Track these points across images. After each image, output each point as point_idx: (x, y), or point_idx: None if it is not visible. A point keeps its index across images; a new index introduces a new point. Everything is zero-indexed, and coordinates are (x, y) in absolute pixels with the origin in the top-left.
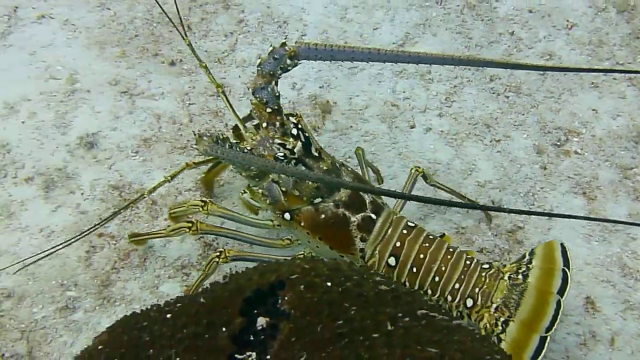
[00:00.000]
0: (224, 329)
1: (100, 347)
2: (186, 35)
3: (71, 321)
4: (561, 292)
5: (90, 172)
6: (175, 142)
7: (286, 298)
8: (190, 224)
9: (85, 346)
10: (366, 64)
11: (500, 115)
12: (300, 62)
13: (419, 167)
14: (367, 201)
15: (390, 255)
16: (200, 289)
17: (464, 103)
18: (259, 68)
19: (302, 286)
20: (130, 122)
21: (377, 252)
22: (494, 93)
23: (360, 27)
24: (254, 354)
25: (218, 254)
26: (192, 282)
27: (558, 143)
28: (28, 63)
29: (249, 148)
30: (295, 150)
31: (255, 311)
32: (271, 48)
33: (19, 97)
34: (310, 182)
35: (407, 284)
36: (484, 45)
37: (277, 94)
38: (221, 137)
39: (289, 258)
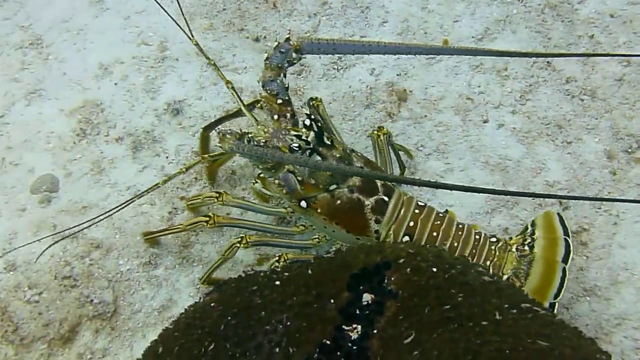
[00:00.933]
0: (332, 301)
1: (212, 304)
2: (192, 36)
3: (153, 276)
4: (565, 259)
5: (175, 138)
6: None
7: (393, 279)
8: (207, 218)
9: (194, 302)
10: (444, 56)
11: (574, 117)
12: (304, 55)
13: (383, 128)
14: (379, 184)
15: (404, 235)
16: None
17: (538, 102)
18: (267, 62)
19: (408, 269)
20: (214, 93)
21: (391, 232)
22: (568, 95)
23: (441, 18)
24: (359, 327)
25: (239, 239)
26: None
27: (629, 150)
28: (122, 27)
29: (263, 141)
30: (309, 140)
31: (361, 287)
32: (277, 43)
33: (113, 59)
34: (326, 174)
35: None
36: (562, 47)
37: (286, 86)
38: (240, 132)
39: (310, 242)
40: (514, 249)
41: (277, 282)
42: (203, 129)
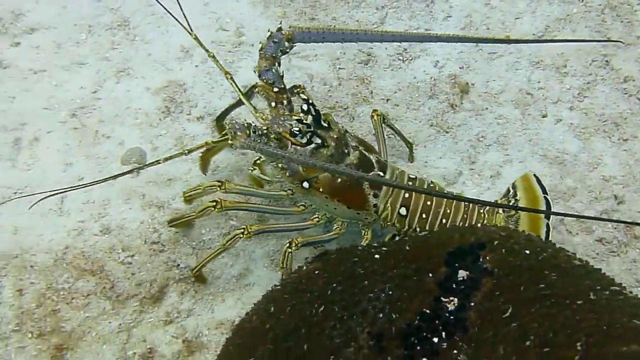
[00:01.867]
0: (430, 275)
1: (316, 272)
2: (192, 31)
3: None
4: (547, 216)
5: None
6: (325, 102)
7: (487, 258)
8: (214, 203)
9: (296, 268)
10: (505, 52)
11: (630, 115)
12: (296, 44)
13: (377, 110)
14: (374, 161)
15: (401, 206)
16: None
17: (595, 100)
18: (262, 52)
19: (503, 250)
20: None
21: (388, 205)
22: (626, 94)
23: (503, 14)
24: (456, 299)
25: (242, 230)
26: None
27: None
28: (202, 13)
29: (265, 128)
30: (308, 122)
31: (457, 264)
32: (269, 33)
33: (193, 42)
34: (325, 152)
35: (418, 229)
36: (620, 47)
37: (281, 74)
38: (246, 124)
39: (310, 223)
40: (500, 211)
41: (377, 256)
42: (216, 119)
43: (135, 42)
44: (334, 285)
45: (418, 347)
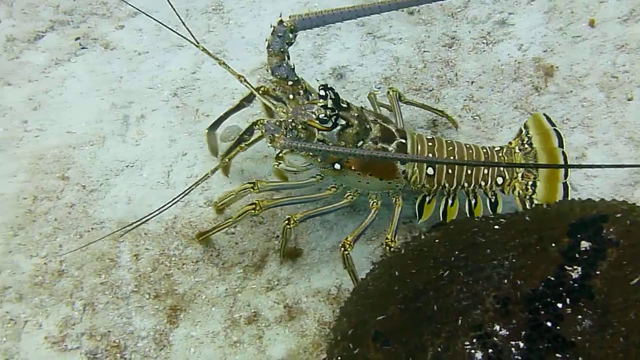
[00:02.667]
0: (553, 245)
1: (437, 240)
2: (197, 43)
3: (325, 220)
4: (561, 145)
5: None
6: (411, 84)
7: (611, 229)
8: (253, 205)
9: (414, 237)
10: (589, 35)
11: None
12: (298, 32)
13: (393, 87)
14: (394, 130)
15: (427, 167)
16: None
17: None
18: (270, 49)
19: (627, 221)
20: (373, 61)
21: (416, 168)
22: None
23: None
24: (580, 268)
25: (287, 221)
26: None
27: None
28: None
29: (291, 121)
30: (331, 106)
31: (579, 235)
32: (272, 28)
33: None
34: (351, 131)
35: (447, 184)
36: None
37: (293, 67)
38: (277, 123)
39: (346, 201)
40: (517, 150)
41: (496, 227)
42: (208, 129)
43: (229, 26)
44: (457, 252)
45: (542, 312)
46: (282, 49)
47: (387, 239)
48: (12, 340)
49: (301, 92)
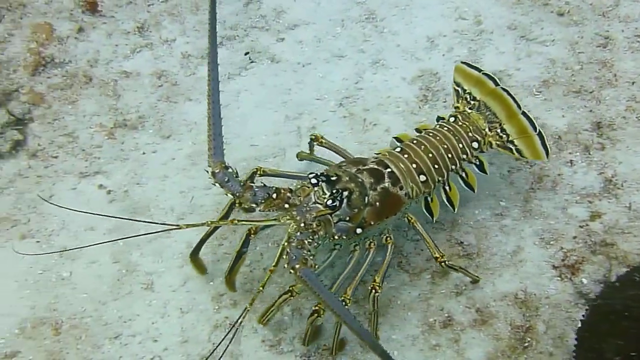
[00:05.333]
0: None
1: None
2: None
3: (503, 225)
4: (496, 83)
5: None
6: (570, 86)
7: None
8: (289, 293)
9: None
10: None
11: None
12: (227, 163)
13: (314, 133)
14: (374, 165)
15: (419, 175)
16: None
17: None
18: (235, 194)
19: None
20: (529, 64)
21: (411, 184)
22: None
23: None
24: None
25: (290, 293)
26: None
27: None
28: (441, 3)
29: (303, 226)
30: (327, 189)
31: None
32: (215, 183)
33: (436, 32)
34: (355, 195)
35: (440, 178)
36: None
37: (263, 185)
38: (297, 244)
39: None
40: (468, 110)
41: None
42: (191, 254)
43: (384, 34)
44: None
45: None
46: (242, 184)
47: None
48: (235, 344)
49: (289, 194)
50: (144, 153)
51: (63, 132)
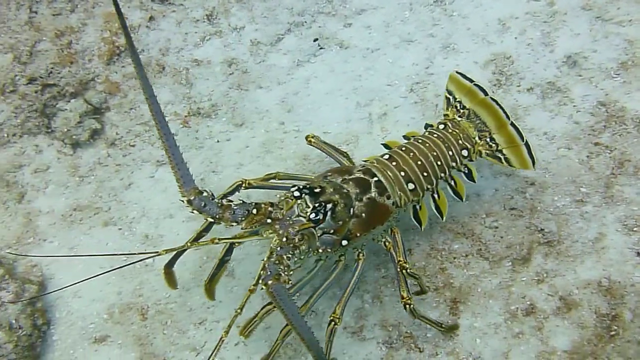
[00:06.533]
0: None
1: None
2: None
3: (584, 212)
4: (485, 93)
5: (578, 88)
6: None
7: None
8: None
9: None
10: None
11: None
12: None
13: (310, 134)
14: (361, 174)
15: (406, 183)
16: None
17: None
18: (215, 217)
19: None
20: (606, 46)
21: (399, 192)
22: None
23: None
24: None
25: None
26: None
27: None
28: None
29: (285, 241)
30: (310, 202)
31: None
32: (192, 210)
33: (508, 15)
34: (340, 207)
35: (429, 186)
36: None
37: (242, 201)
38: (274, 261)
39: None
40: (458, 119)
41: None
42: (165, 267)
43: (454, 18)
44: None
45: None
46: (219, 205)
47: (334, 312)
48: (316, 330)
49: (270, 208)
50: (218, 141)
51: (139, 120)
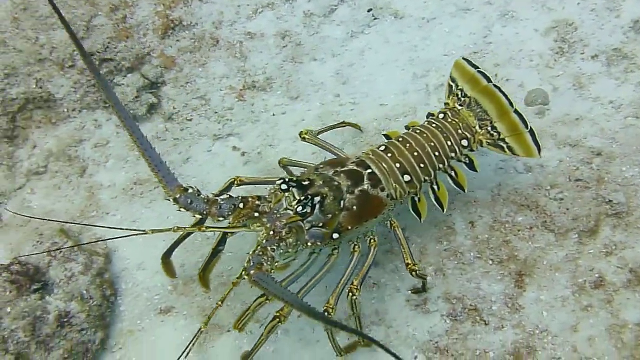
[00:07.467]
0: None
1: None
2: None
3: None
4: (489, 80)
5: None
6: None
7: None
8: (279, 317)
9: None
10: None
11: None
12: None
13: (304, 130)
14: (354, 166)
15: (402, 175)
16: None
17: None
18: (202, 213)
19: None
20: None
21: (395, 184)
22: None
23: None
24: None
25: (278, 319)
26: None
27: None
28: None
29: (272, 234)
30: (298, 195)
31: None
32: (179, 208)
33: None
34: (329, 200)
35: (427, 178)
36: None
37: (229, 196)
38: (257, 253)
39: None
40: (459, 107)
41: None
42: (163, 257)
43: None
44: None
45: None
46: (206, 200)
47: (328, 302)
48: (379, 302)
49: (258, 202)
50: (274, 115)
51: (196, 95)
